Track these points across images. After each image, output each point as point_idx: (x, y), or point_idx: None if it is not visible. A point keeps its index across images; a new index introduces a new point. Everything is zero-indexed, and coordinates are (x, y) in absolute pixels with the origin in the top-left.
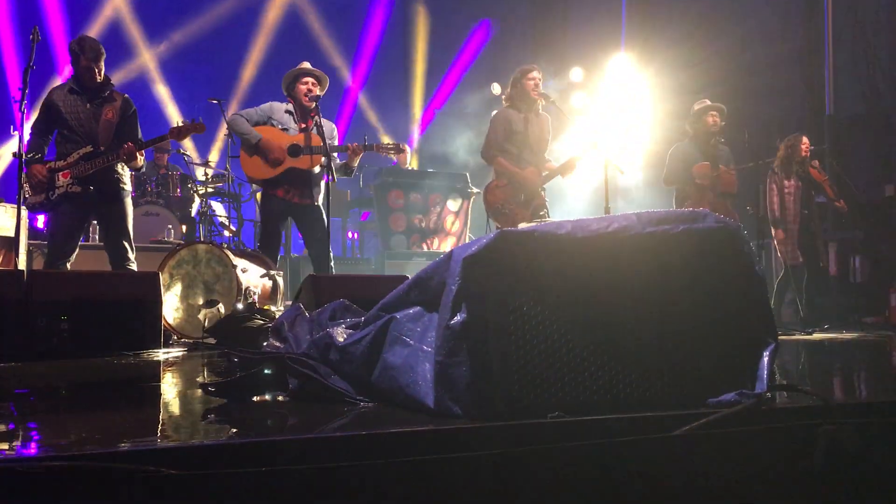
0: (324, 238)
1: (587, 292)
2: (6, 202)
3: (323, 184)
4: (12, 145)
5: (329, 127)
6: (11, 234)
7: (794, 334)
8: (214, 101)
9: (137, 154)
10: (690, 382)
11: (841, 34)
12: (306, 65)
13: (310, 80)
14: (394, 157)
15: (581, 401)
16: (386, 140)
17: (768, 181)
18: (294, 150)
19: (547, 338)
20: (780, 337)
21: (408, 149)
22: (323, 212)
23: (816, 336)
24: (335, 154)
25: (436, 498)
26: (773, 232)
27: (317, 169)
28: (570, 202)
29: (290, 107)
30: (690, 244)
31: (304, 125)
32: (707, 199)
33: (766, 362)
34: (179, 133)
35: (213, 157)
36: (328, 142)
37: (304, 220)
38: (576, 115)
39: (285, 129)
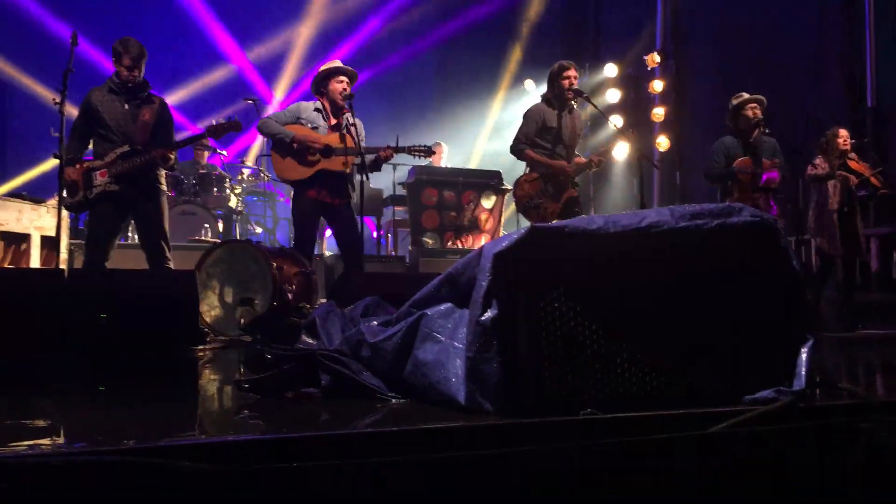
0: (356, 237)
1: (619, 288)
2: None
3: (356, 182)
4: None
5: (359, 124)
6: (53, 233)
7: (834, 331)
8: (250, 101)
9: (170, 155)
10: (726, 379)
11: (881, 24)
12: (339, 63)
13: (345, 78)
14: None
15: (613, 397)
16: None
17: (809, 165)
18: (327, 151)
19: (578, 334)
20: (819, 334)
21: (443, 147)
22: (354, 211)
23: (857, 333)
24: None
25: (467, 494)
26: (814, 197)
27: (349, 169)
28: (602, 199)
29: (320, 104)
30: (725, 239)
31: (334, 121)
32: (750, 193)
33: (804, 359)
34: (216, 132)
35: (249, 160)
36: (359, 140)
37: (335, 219)
38: (609, 111)
39: (315, 128)
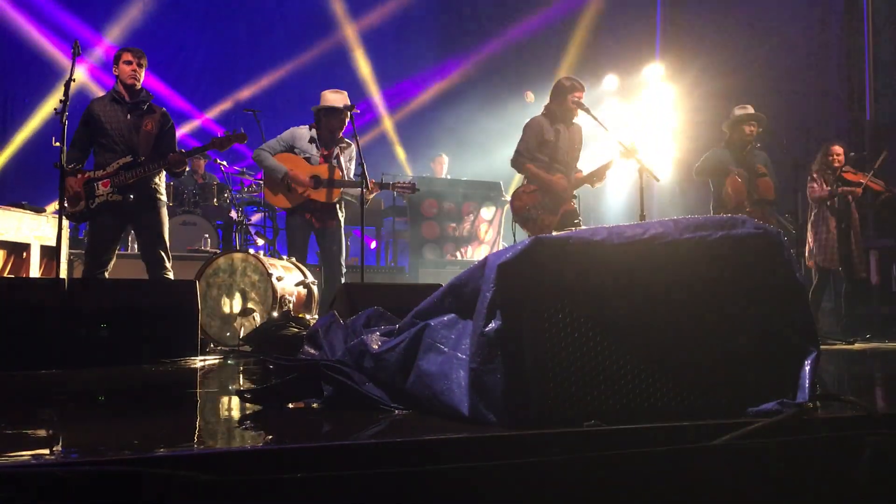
0: (338, 252)
1: (623, 299)
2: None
3: (343, 203)
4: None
5: (351, 151)
6: (53, 243)
7: (834, 344)
8: (250, 112)
9: (184, 161)
10: (730, 391)
11: (880, 38)
12: (338, 98)
13: (347, 112)
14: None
15: (618, 409)
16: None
17: (808, 182)
18: (316, 184)
19: (582, 345)
20: (819, 346)
21: (444, 158)
22: (342, 228)
23: (858, 346)
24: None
25: None
26: (813, 219)
27: (336, 199)
28: (603, 210)
29: (314, 133)
30: (728, 250)
31: (326, 152)
32: (744, 207)
33: (807, 371)
34: (222, 143)
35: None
36: (350, 165)
37: (323, 239)
38: (609, 123)
39: (307, 158)
